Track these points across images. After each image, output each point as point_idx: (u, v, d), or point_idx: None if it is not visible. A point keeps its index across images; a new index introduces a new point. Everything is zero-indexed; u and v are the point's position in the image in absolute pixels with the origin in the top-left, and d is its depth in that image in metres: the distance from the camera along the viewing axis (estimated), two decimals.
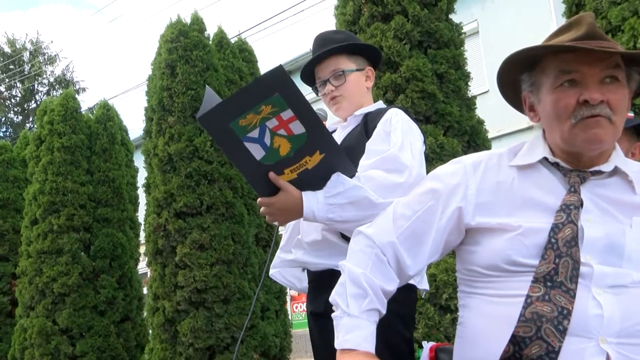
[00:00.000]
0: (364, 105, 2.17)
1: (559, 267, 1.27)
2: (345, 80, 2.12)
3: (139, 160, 8.39)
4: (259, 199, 1.87)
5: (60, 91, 23.15)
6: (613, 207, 1.36)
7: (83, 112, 8.96)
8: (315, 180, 1.81)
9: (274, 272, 2.18)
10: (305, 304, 2.17)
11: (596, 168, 1.39)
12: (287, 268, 2.17)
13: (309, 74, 2.24)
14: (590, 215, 1.34)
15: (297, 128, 1.70)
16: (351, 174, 1.84)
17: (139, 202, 9.23)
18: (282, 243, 2.17)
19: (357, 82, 2.16)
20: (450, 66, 5.13)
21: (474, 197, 1.44)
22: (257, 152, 1.73)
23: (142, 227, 7.29)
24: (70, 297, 7.76)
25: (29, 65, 26.14)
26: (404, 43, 5.04)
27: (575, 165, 1.41)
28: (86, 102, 32.11)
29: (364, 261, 1.45)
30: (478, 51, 11.24)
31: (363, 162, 1.92)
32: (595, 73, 1.34)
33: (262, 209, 1.89)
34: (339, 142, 2.08)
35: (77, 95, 9.34)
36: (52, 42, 35.11)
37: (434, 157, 4.62)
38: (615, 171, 1.41)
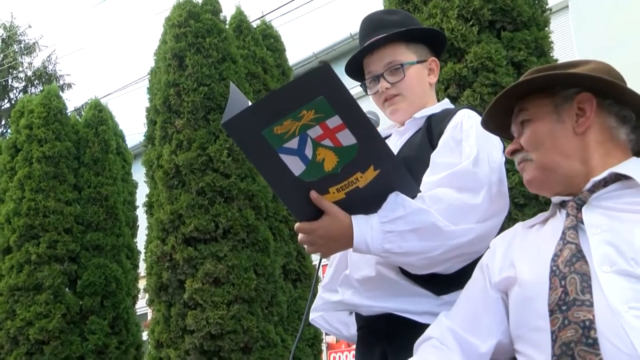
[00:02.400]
0: (427, 105, 2.18)
1: (567, 287, 1.42)
2: (404, 75, 2.13)
3: (138, 173, 8.50)
4: (297, 224, 1.87)
5: (41, 88, 23.59)
6: (624, 212, 1.50)
7: (69, 114, 9.12)
8: (368, 202, 1.82)
9: (316, 316, 2.19)
10: (354, 353, 2.17)
11: (589, 184, 1.56)
12: (331, 312, 2.18)
13: (355, 66, 2.26)
14: (597, 229, 1.49)
15: (346, 138, 1.71)
16: (413, 194, 1.84)
17: (138, 225, 9.34)
18: (325, 280, 2.17)
19: (419, 77, 2.17)
20: (531, 52, 5.08)
21: (500, 260, 1.67)
22: (296, 166, 1.75)
23: (142, 256, 7.37)
24: (50, 345, 7.80)
25: (2, 55, 26.72)
26: (470, 24, 5.02)
27: (572, 194, 1.61)
28: (73, 101, 32.55)
29: (422, 356, 1.67)
30: (567, 32, 11.04)
31: (428, 178, 1.92)
32: None
33: (300, 237, 1.89)
34: (394, 152, 2.09)
35: (61, 93, 9.51)
36: (29, 27, 35.78)
37: (510, 169, 4.56)
38: (616, 177, 1.56)
